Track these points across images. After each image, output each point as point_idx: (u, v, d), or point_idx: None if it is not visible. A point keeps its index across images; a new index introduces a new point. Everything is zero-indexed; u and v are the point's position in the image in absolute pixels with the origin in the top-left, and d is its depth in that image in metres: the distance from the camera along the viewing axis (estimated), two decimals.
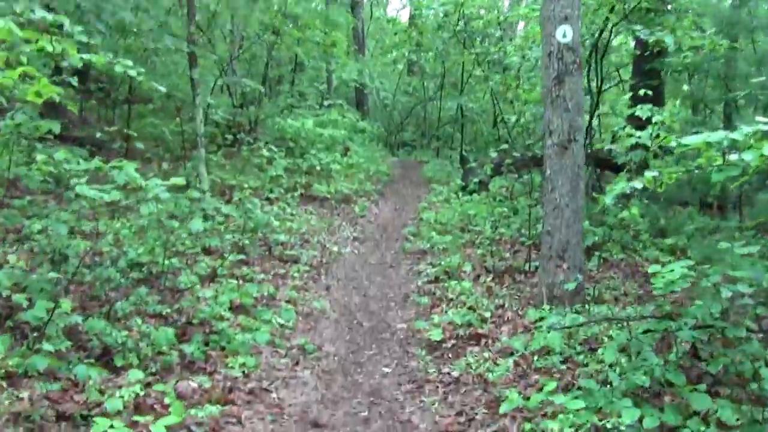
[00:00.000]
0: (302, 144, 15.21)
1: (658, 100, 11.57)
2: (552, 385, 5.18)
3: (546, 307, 6.90)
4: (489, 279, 8.49)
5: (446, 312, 7.32)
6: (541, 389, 5.38)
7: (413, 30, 25.89)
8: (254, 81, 16.16)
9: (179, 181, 5.52)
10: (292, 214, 11.40)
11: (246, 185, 11.84)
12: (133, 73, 5.56)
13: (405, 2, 32.10)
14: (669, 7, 10.88)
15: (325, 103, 15.76)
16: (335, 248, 10.10)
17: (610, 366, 5.22)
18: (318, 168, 13.54)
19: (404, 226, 12.08)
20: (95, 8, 10.21)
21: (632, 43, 13.81)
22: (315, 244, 10.12)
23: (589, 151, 12.10)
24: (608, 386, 4.94)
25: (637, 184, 5.26)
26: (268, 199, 11.98)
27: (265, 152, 12.00)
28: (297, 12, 15.33)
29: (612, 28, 10.35)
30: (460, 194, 13.70)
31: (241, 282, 7.72)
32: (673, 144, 5.31)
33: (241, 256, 8.50)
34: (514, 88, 10.17)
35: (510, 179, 14.00)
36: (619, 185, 5.33)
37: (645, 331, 5.53)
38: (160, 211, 6.95)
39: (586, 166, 10.76)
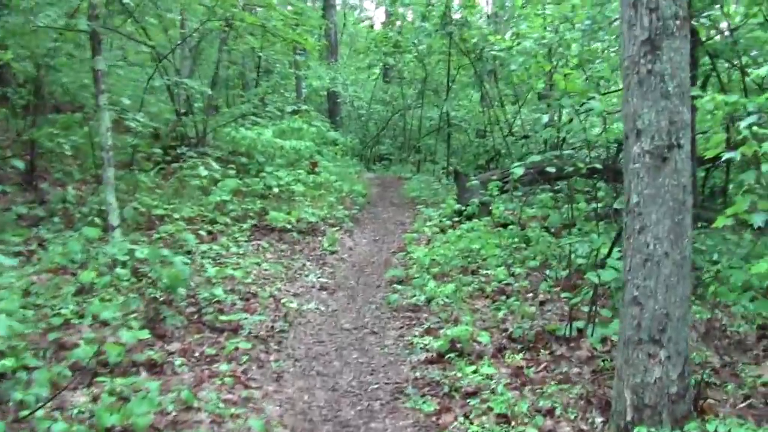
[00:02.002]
0: (260, 159, 12.39)
1: None
2: None
3: (642, 430, 4.13)
4: (517, 355, 5.73)
5: (464, 426, 4.58)
6: None
7: (391, 28, 23.44)
8: (203, 83, 13.34)
9: None
10: (239, 255, 8.56)
11: (178, 215, 9.00)
12: None
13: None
14: None
15: (288, 108, 12.88)
16: (294, 304, 7.26)
17: None
18: (276, 190, 10.66)
19: (387, 265, 9.24)
20: None
21: None
22: (266, 299, 7.27)
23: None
24: None
25: None
26: (209, 232, 9.14)
27: (202, 170, 9.10)
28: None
29: None
30: (456, 220, 10.93)
31: (142, 377, 4.89)
32: None
33: (146, 335, 5.58)
34: (547, 73, 7.36)
35: (517, 200, 11.33)
36: None
37: None
38: None
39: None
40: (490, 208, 10.88)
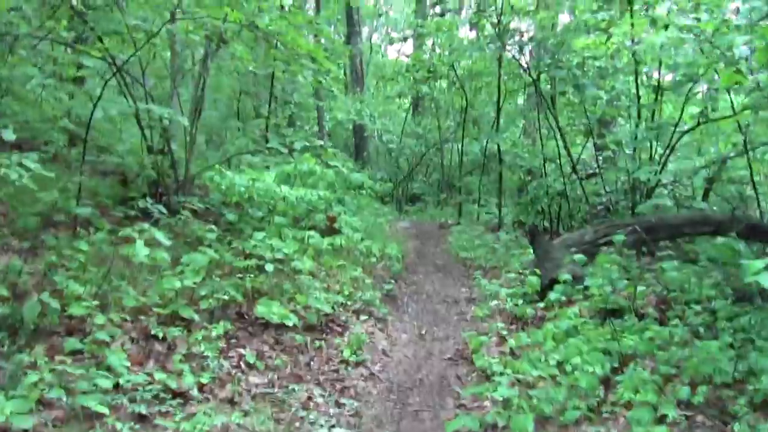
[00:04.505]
0: (256, 214, 9.02)
1: None
2: None
3: None
4: None
5: None
6: None
7: (423, 51, 20.66)
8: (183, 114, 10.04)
9: None
10: (203, 384, 5.16)
11: (105, 317, 5.64)
12: None
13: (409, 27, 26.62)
14: None
15: (296, 145, 9.49)
16: None
17: None
18: (270, 268, 7.14)
19: (445, 392, 5.73)
20: None
21: None
22: None
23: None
24: None
25: None
26: (159, 339, 5.76)
27: (141, 247, 5.66)
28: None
29: None
30: (540, 305, 7.51)
31: None
32: None
33: None
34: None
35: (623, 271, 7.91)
36: None
37: None
38: None
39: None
40: (585, 284, 7.41)
